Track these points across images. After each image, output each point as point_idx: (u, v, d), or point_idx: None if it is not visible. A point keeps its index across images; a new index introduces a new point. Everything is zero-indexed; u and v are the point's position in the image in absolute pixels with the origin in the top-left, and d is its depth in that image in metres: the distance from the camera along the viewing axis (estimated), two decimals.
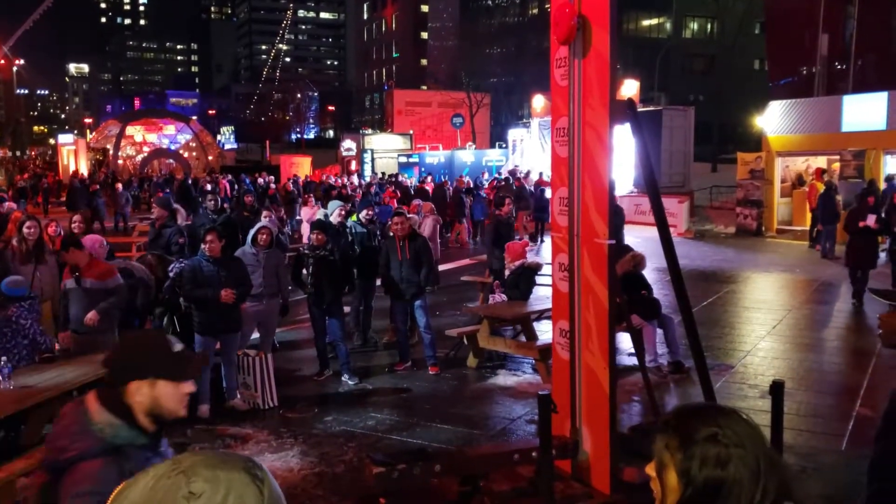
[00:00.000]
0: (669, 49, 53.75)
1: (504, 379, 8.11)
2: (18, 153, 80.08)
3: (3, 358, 5.52)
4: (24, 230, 7.40)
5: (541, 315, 8.50)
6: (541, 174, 23.42)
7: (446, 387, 7.91)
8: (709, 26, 64.48)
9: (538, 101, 30.56)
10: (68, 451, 2.02)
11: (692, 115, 25.98)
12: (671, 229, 15.38)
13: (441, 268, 12.89)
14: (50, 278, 7.56)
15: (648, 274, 8.95)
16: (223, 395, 7.26)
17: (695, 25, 65.70)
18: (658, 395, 7.00)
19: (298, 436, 6.45)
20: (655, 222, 4.85)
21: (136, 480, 1.05)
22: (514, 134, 33.71)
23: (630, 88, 25.35)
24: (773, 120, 20.68)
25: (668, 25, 64.12)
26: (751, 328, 10.20)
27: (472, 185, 22.53)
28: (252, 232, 8.00)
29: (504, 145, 35.68)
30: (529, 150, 30.23)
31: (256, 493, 1.03)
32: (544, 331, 8.76)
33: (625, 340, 8.43)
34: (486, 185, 23.16)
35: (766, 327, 10.17)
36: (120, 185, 24.06)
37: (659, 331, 8.29)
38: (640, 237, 16.05)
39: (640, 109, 19.83)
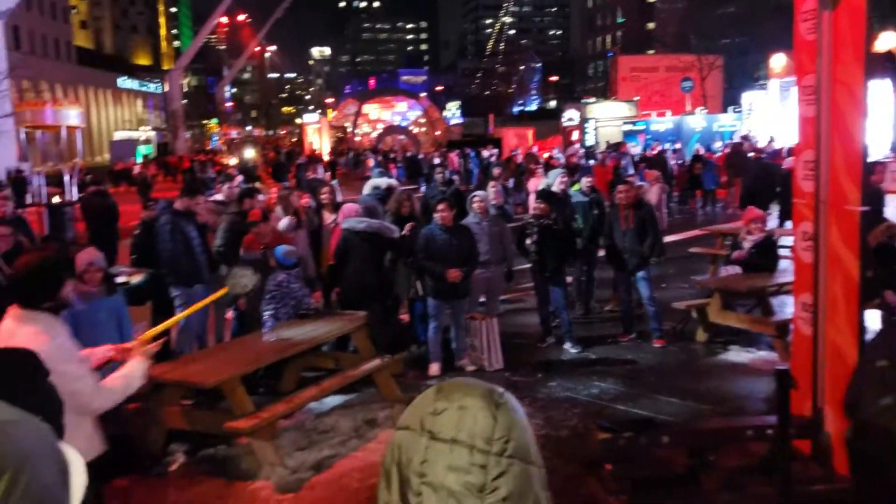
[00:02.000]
0: None
1: (736, 355, 7.75)
2: (271, 132, 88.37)
3: (267, 314, 6.22)
4: (292, 199, 8.22)
5: (779, 289, 7.97)
6: (771, 139, 21.70)
7: (673, 360, 7.72)
8: None
9: (777, 61, 28.33)
10: None
11: None
12: None
13: (667, 238, 12.49)
14: (304, 245, 8.33)
15: None
16: (452, 356, 7.64)
17: None
18: None
19: (524, 399, 6.63)
20: None
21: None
22: (748, 97, 31.51)
23: (889, 41, 22.63)
24: None
25: None
26: None
27: (700, 153, 21.44)
28: (468, 199, 8.27)
29: (738, 109, 33.48)
30: (766, 114, 28.13)
31: (489, 417, 1.09)
32: (782, 306, 8.22)
33: (876, 319, 7.68)
34: (719, 153, 21.88)
35: None
36: (371, 162, 25.61)
37: None
38: None
39: None
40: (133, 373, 3.65)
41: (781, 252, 8.67)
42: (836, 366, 4.58)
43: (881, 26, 27.20)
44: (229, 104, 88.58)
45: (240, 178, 13.75)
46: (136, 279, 7.19)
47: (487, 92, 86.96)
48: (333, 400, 6.61)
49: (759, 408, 6.29)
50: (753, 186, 14.85)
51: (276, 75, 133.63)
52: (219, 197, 8.60)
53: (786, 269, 7.97)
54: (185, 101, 68.96)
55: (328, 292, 8.00)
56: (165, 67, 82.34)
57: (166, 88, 66.47)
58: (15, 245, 6.84)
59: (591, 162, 21.25)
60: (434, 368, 7.41)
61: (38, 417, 1.02)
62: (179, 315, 4.41)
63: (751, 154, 19.14)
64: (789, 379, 4.01)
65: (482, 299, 8.44)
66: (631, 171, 17.39)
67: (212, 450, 5.82)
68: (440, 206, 7.45)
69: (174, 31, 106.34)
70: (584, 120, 35.64)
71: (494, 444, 1.08)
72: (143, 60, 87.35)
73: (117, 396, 3.60)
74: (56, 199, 17.66)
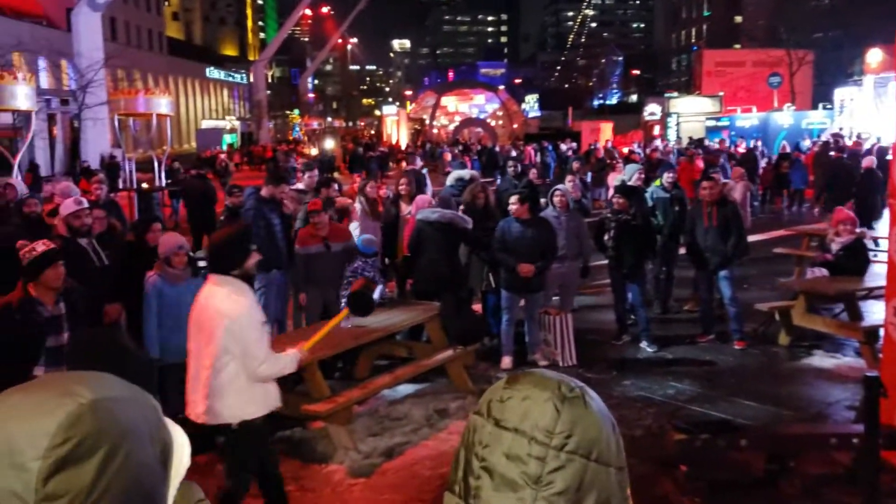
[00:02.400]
0: None
1: (820, 360, 7.47)
2: (351, 123, 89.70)
3: (343, 301, 6.32)
4: (368, 190, 8.37)
5: (869, 293, 7.64)
6: (858, 137, 20.70)
7: (753, 362, 7.50)
8: None
9: (874, 56, 27.07)
10: None
11: None
12: None
13: (751, 238, 12.14)
14: (378, 234, 8.42)
15: None
16: (525, 350, 7.61)
17: None
18: None
19: None
20: None
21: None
22: (841, 93, 30.25)
23: None
24: None
25: None
26: None
27: (787, 150, 20.70)
28: (549, 194, 8.23)
29: (829, 106, 32.17)
30: (860, 112, 26.96)
31: (552, 410, 1.08)
32: (872, 311, 7.88)
33: None
34: (807, 152, 21.09)
35: None
36: (448, 156, 25.55)
37: None
38: None
39: None
40: (293, 358, 4.13)
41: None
42: None
43: None
44: (311, 95, 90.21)
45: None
46: None
47: (567, 85, 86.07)
48: (406, 388, 6.69)
49: (843, 416, 6.06)
50: (831, 185, 14.31)
51: (356, 67, 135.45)
52: (300, 186, 8.80)
53: (875, 273, 7.65)
54: (269, 91, 70.67)
55: (402, 282, 8.09)
56: (251, 59, 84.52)
57: (251, 79, 68.25)
58: (108, 228, 7.15)
59: (672, 157, 20.76)
60: (506, 361, 7.40)
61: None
62: (330, 323, 4.68)
63: (831, 153, 18.37)
64: (879, 386, 3.85)
65: (556, 294, 8.40)
66: (729, 169, 16.88)
67: (288, 431, 5.96)
68: (512, 200, 7.44)
69: (260, 23, 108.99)
70: (666, 115, 34.94)
71: (555, 437, 1.06)
72: (230, 51, 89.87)
73: (278, 369, 4.04)
74: (145, 186, 18.35)
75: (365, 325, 6.23)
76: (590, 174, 24.36)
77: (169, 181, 19.20)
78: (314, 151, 41.48)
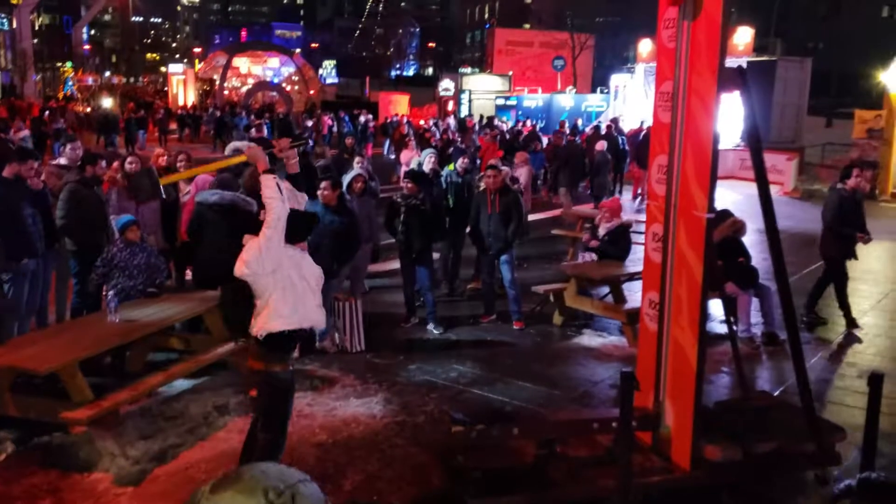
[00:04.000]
0: None
1: (589, 339, 8.05)
2: (132, 80, 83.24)
3: (111, 293, 5.84)
4: (127, 166, 7.70)
5: (630, 278, 8.32)
6: (642, 123, 22.63)
7: (530, 343, 7.92)
8: None
9: (645, 46, 29.33)
10: None
11: (809, 67, 24.48)
12: (776, 187, 14.62)
13: (533, 217, 12.79)
14: (151, 213, 7.80)
15: (750, 236, 8.62)
16: (313, 337, 7.47)
17: None
18: (748, 367, 6.81)
19: (383, 382, 6.61)
20: (756, 183, 4.65)
21: None
22: (616, 79, 32.61)
23: (743, 36, 23.94)
24: None
25: None
26: (853, 301, 9.63)
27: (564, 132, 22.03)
28: (347, 179, 8.11)
29: (606, 90, 34.62)
30: (632, 97, 29.26)
31: None
32: (635, 292, 8.59)
33: (717, 307, 8.17)
34: (583, 133, 22.56)
35: (870, 301, 9.66)
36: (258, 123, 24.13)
37: (755, 300, 8.01)
38: (742, 194, 15.45)
39: (752, 59, 18.72)
40: (267, 180, 4.54)
41: (636, 238, 9.06)
42: (679, 362, 4.82)
43: (739, 20, 28.80)
44: (87, 47, 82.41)
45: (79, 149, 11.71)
46: None
47: (364, 53, 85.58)
48: (182, 383, 6.32)
49: (607, 394, 6.56)
50: (562, 168, 15.74)
51: (139, 19, 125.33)
52: (62, 161, 7.93)
53: (638, 258, 8.34)
54: (35, 40, 63.57)
55: (181, 270, 7.62)
56: (14, 1, 75.46)
57: (14, 25, 60.95)
58: None
59: (474, 135, 21.42)
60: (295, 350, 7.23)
61: None
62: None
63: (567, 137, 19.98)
64: (632, 380, 4.17)
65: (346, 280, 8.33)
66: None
67: (46, 437, 5.43)
68: (323, 185, 7.24)
69: None
70: (459, 90, 35.79)
71: None
72: None
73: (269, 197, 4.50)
74: None
75: (135, 318, 5.80)
76: (387, 146, 24.44)
77: None
78: (89, 110, 37.99)
